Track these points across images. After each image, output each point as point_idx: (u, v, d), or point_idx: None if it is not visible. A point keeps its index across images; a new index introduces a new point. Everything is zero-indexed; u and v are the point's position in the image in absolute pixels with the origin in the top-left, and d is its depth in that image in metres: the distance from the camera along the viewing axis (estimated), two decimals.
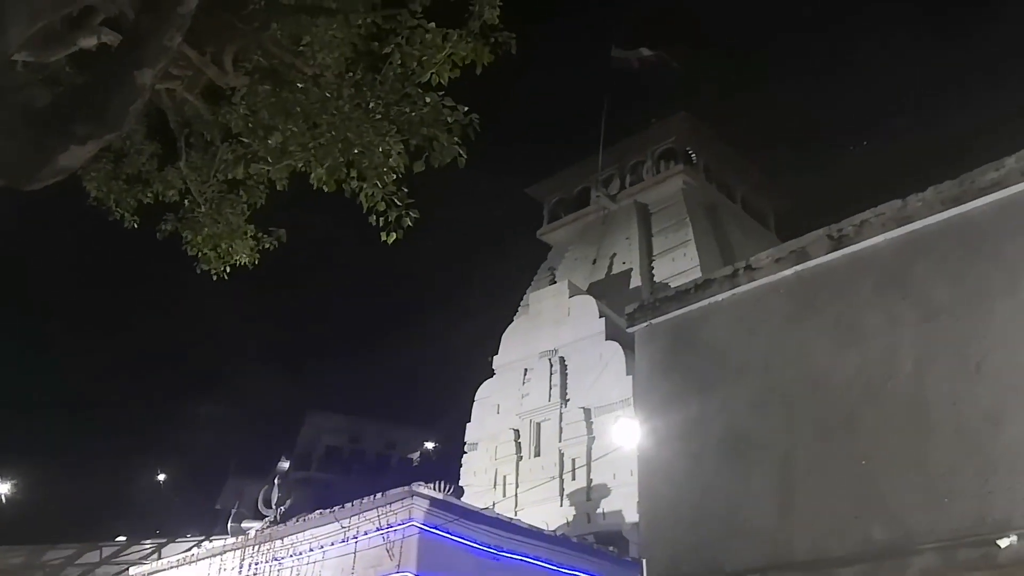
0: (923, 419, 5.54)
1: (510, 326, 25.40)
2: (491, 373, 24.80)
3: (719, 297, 7.20)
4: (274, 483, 16.60)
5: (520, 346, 24.22)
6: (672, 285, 8.10)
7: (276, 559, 15.46)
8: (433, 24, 7.27)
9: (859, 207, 6.43)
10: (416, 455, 44.39)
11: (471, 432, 24.10)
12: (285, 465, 17.70)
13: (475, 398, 24.64)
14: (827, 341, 6.33)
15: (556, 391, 22.41)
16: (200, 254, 8.44)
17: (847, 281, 6.40)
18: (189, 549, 19.56)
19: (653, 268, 26.22)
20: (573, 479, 21.05)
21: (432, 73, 7.26)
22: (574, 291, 24.22)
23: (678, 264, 25.29)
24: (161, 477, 41.09)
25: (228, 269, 8.58)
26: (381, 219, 7.51)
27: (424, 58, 7.24)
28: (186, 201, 8.40)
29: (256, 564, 15.75)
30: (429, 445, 42.68)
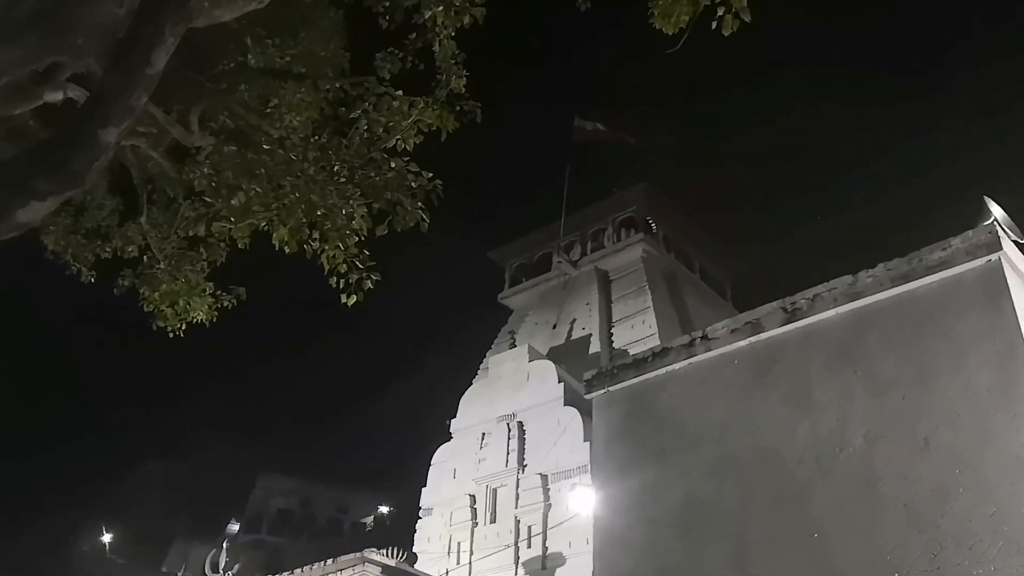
0: (873, 493, 5.62)
1: (469, 389, 25.26)
2: (449, 437, 24.57)
3: (676, 366, 7.28)
4: (222, 546, 16.17)
5: (478, 410, 24.06)
6: (631, 352, 8.19)
7: None
8: (400, 92, 7.39)
9: (813, 278, 6.59)
10: (369, 520, 43.56)
11: (426, 497, 23.73)
12: (234, 528, 17.32)
13: (431, 462, 24.33)
14: (781, 412, 6.41)
15: (513, 456, 22.23)
16: (157, 311, 8.35)
17: (800, 354, 6.52)
18: None
19: (612, 334, 26.37)
20: (529, 547, 20.75)
21: (398, 139, 7.36)
22: (534, 355, 24.22)
23: (637, 331, 25.46)
24: (106, 538, 39.68)
25: (184, 326, 8.49)
26: (342, 281, 7.51)
27: (390, 124, 7.35)
28: (145, 257, 8.33)
29: None
30: (383, 510, 41.94)
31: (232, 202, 7.43)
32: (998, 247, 5.69)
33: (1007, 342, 5.47)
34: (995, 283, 5.67)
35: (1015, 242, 5.94)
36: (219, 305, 8.52)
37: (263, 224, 7.59)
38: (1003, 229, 5.85)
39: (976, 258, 5.77)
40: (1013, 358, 5.42)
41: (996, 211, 6.22)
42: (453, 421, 24.65)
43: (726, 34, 6.46)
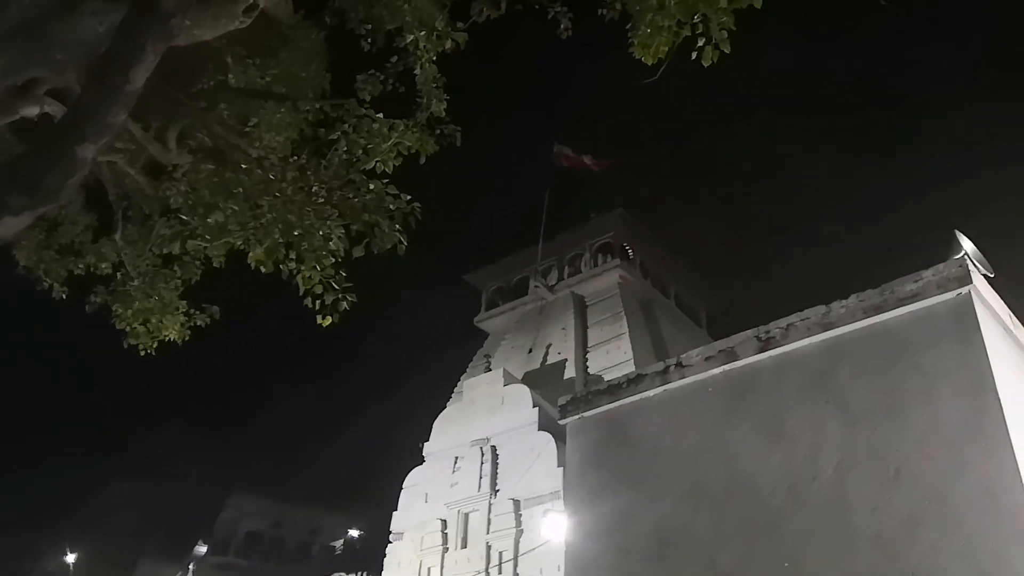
0: (845, 523, 5.64)
1: (443, 412, 25.14)
2: (422, 460, 24.40)
3: (650, 392, 7.30)
4: (189, 568, 15.90)
5: (452, 433, 23.94)
6: (606, 378, 8.20)
7: None
8: (380, 114, 7.42)
9: (787, 308, 6.65)
10: (339, 543, 43.07)
11: (397, 521, 23.52)
12: (202, 550, 17.04)
13: (403, 485, 24.15)
14: (754, 441, 6.43)
15: (486, 481, 22.11)
16: (129, 328, 8.27)
17: (774, 382, 6.56)
18: None
19: (588, 360, 26.39)
20: (500, 573, 20.59)
21: (377, 161, 7.37)
22: (509, 379, 24.17)
23: (612, 357, 25.50)
24: (70, 558, 38.91)
25: (156, 345, 8.41)
26: (317, 302, 7.48)
27: (370, 146, 7.37)
28: (118, 274, 8.26)
29: None
30: (353, 533, 41.51)
31: (208, 220, 7.40)
32: (968, 281, 5.77)
33: (977, 375, 5.54)
34: (965, 316, 5.74)
35: (984, 276, 6.03)
36: (192, 324, 8.46)
37: (239, 243, 7.55)
38: (973, 263, 5.93)
39: (947, 291, 5.84)
40: (982, 390, 5.48)
41: (967, 245, 6.31)
42: (426, 444, 24.50)
43: (706, 64, 6.55)
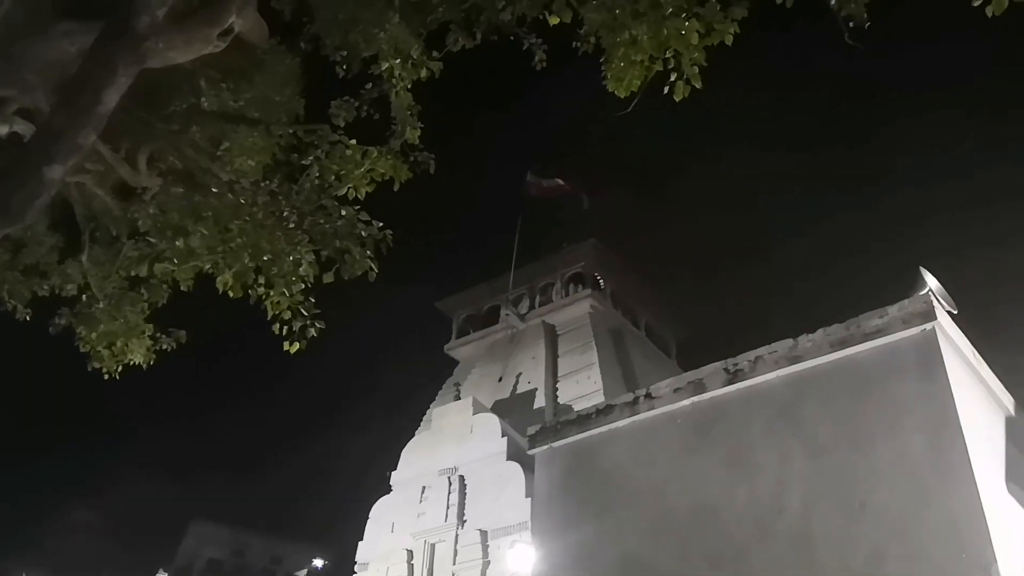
0: (810, 556, 5.65)
1: (411, 441, 24.93)
2: (389, 489, 24.15)
3: (619, 423, 7.29)
4: None
5: (420, 462, 23.73)
6: (575, 407, 8.20)
7: None
8: (354, 140, 7.42)
9: (756, 339, 6.70)
10: (303, 573, 42.35)
11: (363, 551, 23.21)
12: None
13: (370, 515, 23.87)
14: (721, 473, 6.44)
15: (453, 511, 21.90)
16: (93, 351, 8.15)
17: (741, 414, 6.59)
18: None
19: (558, 389, 26.35)
20: None
21: (350, 187, 7.36)
22: (478, 408, 24.05)
23: (582, 387, 25.49)
24: None
25: (120, 368, 8.29)
26: (285, 328, 7.42)
27: (343, 172, 7.36)
28: (84, 296, 8.15)
29: None
30: (318, 563, 40.83)
31: (177, 243, 7.33)
32: (933, 316, 5.86)
33: (941, 409, 5.60)
34: (930, 351, 5.82)
35: (948, 312, 6.12)
36: (158, 348, 8.35)
37: (208, 267, 7.49)
38: (938, 300, 6.03)
39: (912, 326, 5.92)
40: (946, 425, 5.54)
41: (931, 282, 6.41)
42: (394, 473, 24.26)
43: (677, 99, 6.63)
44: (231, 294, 7.40)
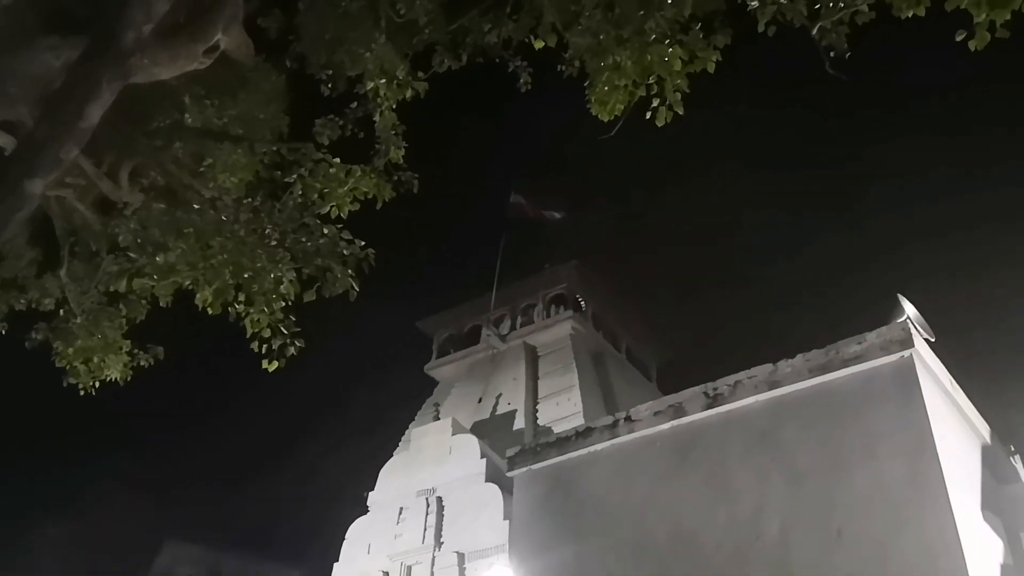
0: None
1: (389, 461, 24.79)
2: (365, 510, 23.96)
3: (599, 446, 7.29)
4: None
5: (398, 483, 23.57)
6: (555, 430, 8.19)
7: None
8: (338, 159, 7.43)
9: (736, 363, 6.73)
10: None
11: (339, 572, 22.97)
12: None
13: (346, 535, 23.65)
14: (699, 498, 6.44)
15: (431, 532, 21.74)
16: (69, 366, 8.07)
17: (720, 439, 6.60)
18: None
19: (538, 411, 26.30)
20: None
21: (332, 206, 7.36)
22: (457, 429, 23.95)
23: (562, 409, 25.46)
24: None
25: (97, 384, 8.21)
26: (264, 346, 7.38)
27: (326, 191, 7.36)
28: (61, 311, 8.08)
29: None
30: None
31: (157, 259, 7.30)
32: (911, 344, 5.91)
33: (918, 436, 5.64)
34: (907, 379, 5.87)
35: (926, 340, 6.18)
36: (135, 364, 8.28)
37: (187, 283, 7.45)
38: (915, 327, 6.09)
39: (890, 353, 5.97)
40: (923, 452, 5.58)
41: (909, 309, 6.47)
42: (371, 494, 24.09)
43: (659, 124, 6.70)
44: (210, 311, 7.36)
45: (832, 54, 6.38)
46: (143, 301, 7.99)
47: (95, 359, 8.04)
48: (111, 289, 7.89)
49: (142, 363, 8.32)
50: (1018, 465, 7.24)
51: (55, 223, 7.74)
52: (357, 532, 23.49)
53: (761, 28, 6.27)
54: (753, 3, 6.24)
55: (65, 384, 8.16)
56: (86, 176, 6.82)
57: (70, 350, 7.96)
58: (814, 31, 6.29)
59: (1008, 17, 5.29)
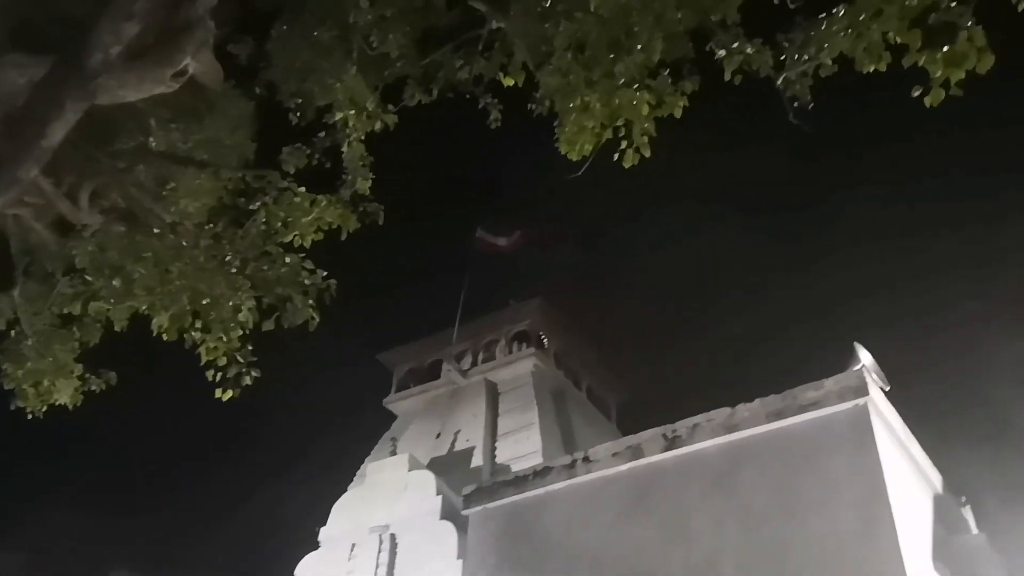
0: None
1: (343, 496, 24.38)
2: (317, 545, 23.50)
3: (556, 486, 7.26)
4: None
5: (351, 518, 23.13)
6: (513, 468, 8.13)
7: None
8: (303, 188, 7.38)
9: (695, 406, 6.75)
10: None
11: None
12: None
13: (295, 572, 23.16)
14: (657, 539, 6.43)
15: (383, 570, 21.30)
16: (18, 389, 7.84)
17: (678, 481, 6.61)
18: None
19: (496, 448, 26.11)
20: None
21: (296, 235, 7.30)
22: (414, 465, 23.64)
23: (521, 447, 25.27)
24: None
25: (45, 409, 7.99)
26: (219, 375, 7.25)
27: (290, 219, 7.30)
28: (12, 332, 7.87)
29: None
30: None
31: (114, 283, 7.16)
32: (866, 392, 5.99)
33: (871, 483, 5.69)
34: (862, 426, 5.94)
35: (880, 388, 6.26)
36: (86, 388, 8.08)
37: (144, 308, 7.31)
38: (871, 375, 6.17)
39: (845, 400, 6.05)
40: (876, 498, 5.62)
41: (865, 357, 6.56)
42: (323, 529, 23.64)
43: (627, 166, 6.75)
44: (165, 337, 7.22)
45: (796, 104, 6.49)
46: (98, 324, 7.82)
47: (45, 382, 7.83)
48: (65, 311, 7.72)
49: (93, 388, 8.12)
50: (969, 516, 7.32)
51: (11, 241, 7.57)
52: (306, 568, 22.96)
53: (728, 76, 6.38)
54: (720, 52, 6.36)
55: (12, 407, 7.93)
56: (45, 196, 6.70)
57: (19, 372, 7.75)
58: (779, 82, 6.41)
59: (963, 76, 5.43)
